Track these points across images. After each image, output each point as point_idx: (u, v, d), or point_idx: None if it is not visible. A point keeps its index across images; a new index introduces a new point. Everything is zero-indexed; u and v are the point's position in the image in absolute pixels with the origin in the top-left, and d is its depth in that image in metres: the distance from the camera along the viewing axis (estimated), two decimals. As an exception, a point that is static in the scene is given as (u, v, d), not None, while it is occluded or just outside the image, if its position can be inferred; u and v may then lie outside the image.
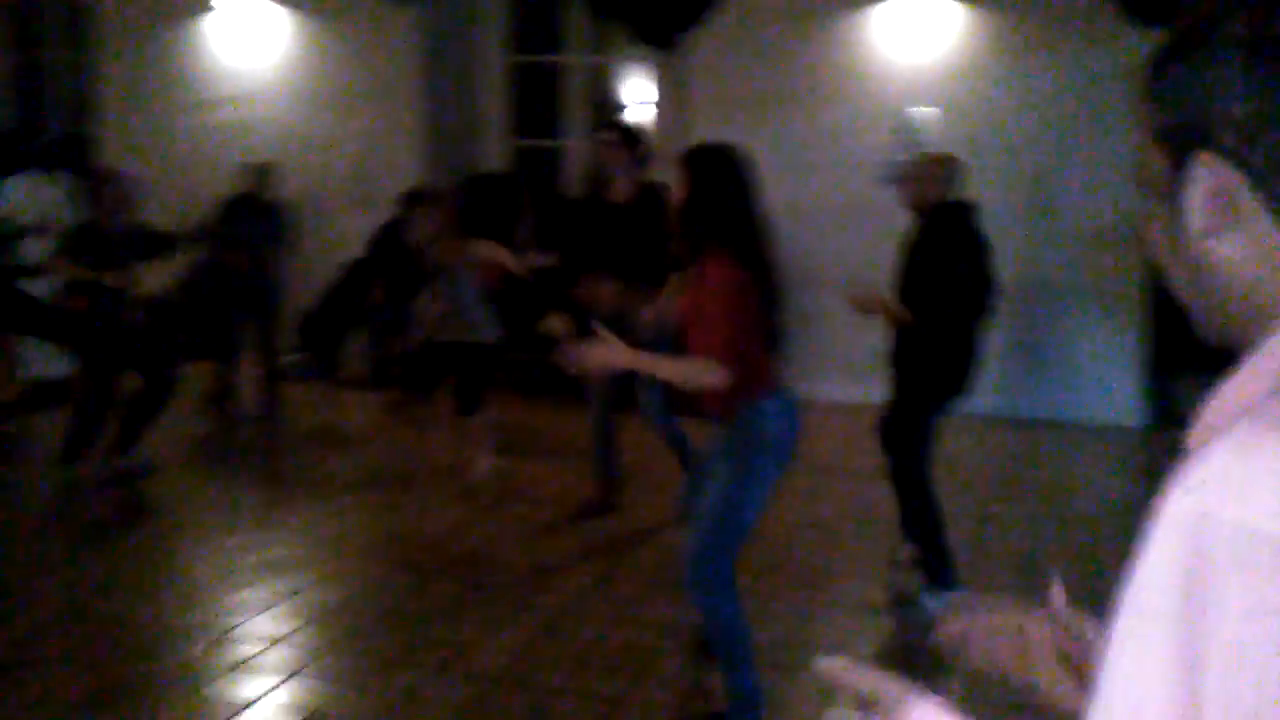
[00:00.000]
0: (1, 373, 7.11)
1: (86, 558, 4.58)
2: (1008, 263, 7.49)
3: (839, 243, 8.00)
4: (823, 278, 8.02)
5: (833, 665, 0.81)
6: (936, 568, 4.06)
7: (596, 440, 5.14)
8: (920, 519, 4.07)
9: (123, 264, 5.51)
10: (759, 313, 3.04)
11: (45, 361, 7.25)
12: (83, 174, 7.84)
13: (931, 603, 4.02)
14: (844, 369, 8.00)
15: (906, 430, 4.09)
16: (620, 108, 9.48)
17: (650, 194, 4.81)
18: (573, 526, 5.00)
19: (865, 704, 0.79)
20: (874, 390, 7.57)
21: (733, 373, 2.86)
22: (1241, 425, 0.62)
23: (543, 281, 5.93)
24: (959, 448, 6.82)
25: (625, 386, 4.83)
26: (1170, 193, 0.72)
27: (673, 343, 3.37)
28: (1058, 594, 1.02)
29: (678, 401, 4.44)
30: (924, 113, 7.73)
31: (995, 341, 7.51)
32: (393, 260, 7.04)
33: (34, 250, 6.73)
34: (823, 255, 8.04)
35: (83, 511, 5.24)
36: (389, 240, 7.06)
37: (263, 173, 7.29)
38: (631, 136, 4.99)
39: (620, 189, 4.95)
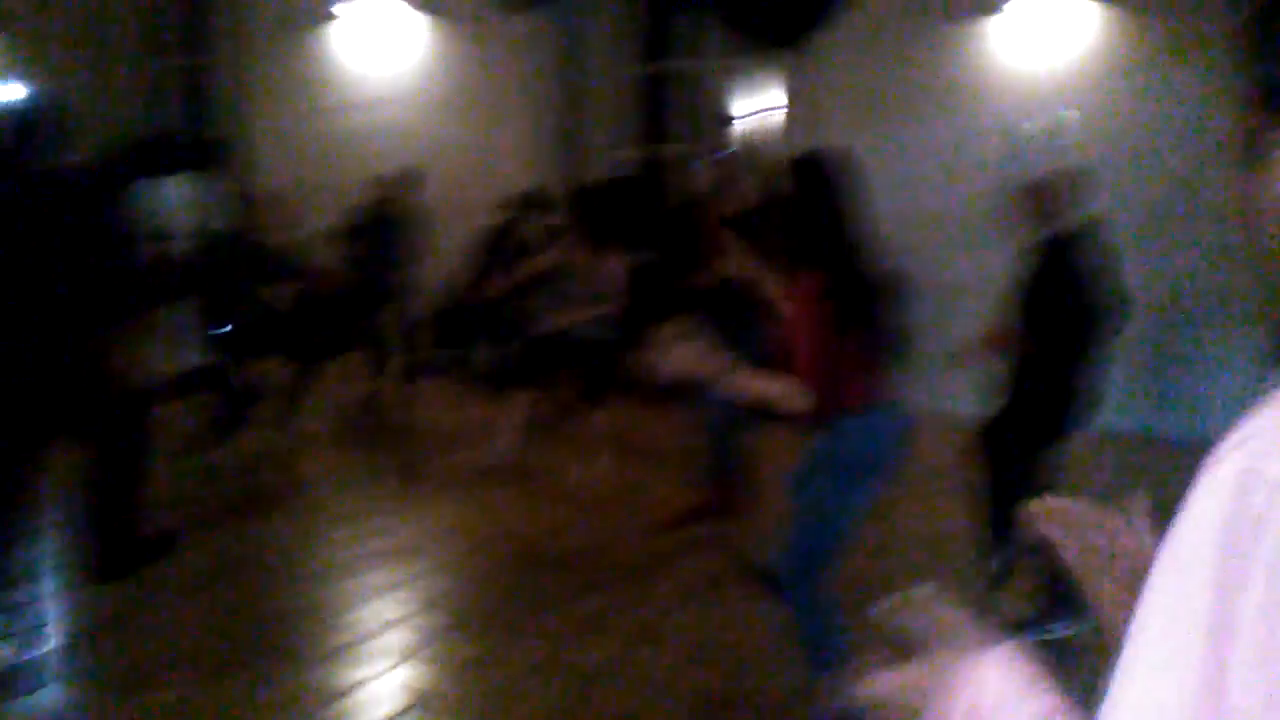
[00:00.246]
0: (146, 361, 7.48)
1: (218, 537, 4.79)
2: (1140, 275, 7.29)
3: (955, 255, 7.81)
4: (936, 290, 7.85)
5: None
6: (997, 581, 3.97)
7: (709, 443, 5.11)
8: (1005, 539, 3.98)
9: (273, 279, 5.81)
10: (857, 327, 2.95)
11: (182, 354, 7.61)
12: (217, 178, 8.23)
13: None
14: (963, 384, 7.80)
15: (1012, 450, 3.96)
16: (737, 116, 9.48)
17: (759, 201, 4.75)
18: (681, 529, 4.99)
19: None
20: (971, 408, 7.44)
21: (821, 392, 2.83)
22: None
23: (658, 285, 5.94)
24: (1092, 467, 6.58)
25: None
26: (1265, 154, 0.68)
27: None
28: (1140, 506, 0.99)
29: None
30: (1059, 118, 7.49)
31: (1129, 357, 7.28)
32: (505, 261, 7.20)
33: (169, 243, 7.13)
34: (937, 268, 7.86)
35: (218, 494, 5.47)
36: (502, 242, 7.19)
37: (400, 179, 7.51)
38: (734, 141, 4.95)
39: (729, 198, 4.87)
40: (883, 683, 0.85)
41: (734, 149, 4.98)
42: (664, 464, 6.06)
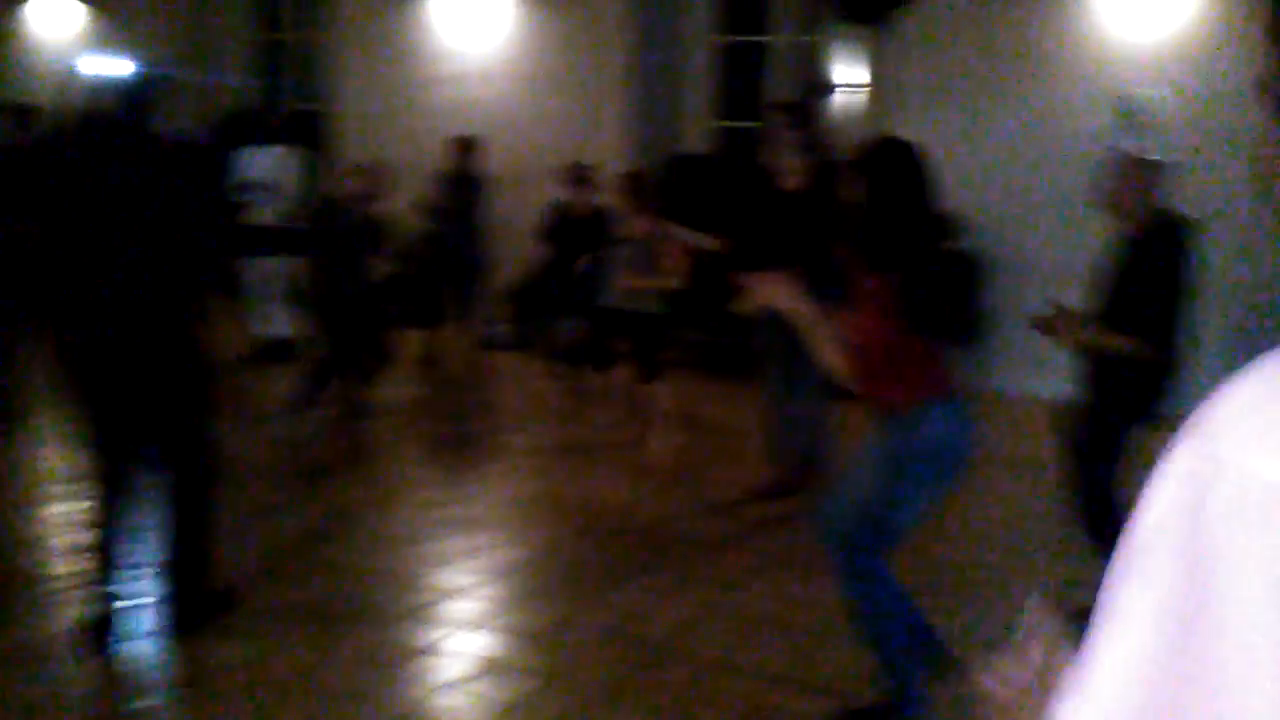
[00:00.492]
0: (236, 332, 7.72)
1: (297, 505, 4.94)
2: (1234, 259, 7.05)
3: (1053, 235, 7.62)
4: (1034, 270, 7.69)
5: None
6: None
7: (772, 420, 5.10)
8: (1100, 527, 3.86)
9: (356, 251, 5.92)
10: (930, 320, 2.92)
11: (272, 322, 7.84)
12: (315, 149, 8.42)
13: None
14: (1041, 364, 7.64)
15: (1101, 438, 3.86)
16: (824, 89, 9.36)
17: (822, 179, 4.56)
18: (752, 505, 5.01)
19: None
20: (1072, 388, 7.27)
21: (895, 383, 2.82)
22: (1270, 361, 0.57)
23: (723, 264, 5.92)
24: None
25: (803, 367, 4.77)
26: None
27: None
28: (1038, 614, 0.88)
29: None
30: (1148, 96, 7.25)
31: (1224, 342, 7.05)
32: (568, 236, 7.28)
33: (265, 212, 7.34)
34: (1034, 246, 7.69)
35: (297, 461, 5.64)
36: (576, 217, 7.24)
37: (466, 146, 7.60)
38: (802, 118, 4.79)
39: (791, 175, 4.76)
40: (995, 676, 0.85)
41: (780, 119, 4.82)
42: (735, 439, 6.08)
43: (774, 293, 2.89)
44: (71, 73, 3.94)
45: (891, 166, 2.92)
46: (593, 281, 6.12)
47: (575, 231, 7.13)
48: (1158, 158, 3.93)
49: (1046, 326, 3.91)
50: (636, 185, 6.03)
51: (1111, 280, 3.82)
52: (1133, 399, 3.77)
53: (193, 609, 3.55)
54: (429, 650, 3.50)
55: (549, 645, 3.57)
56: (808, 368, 4.74)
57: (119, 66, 3.55)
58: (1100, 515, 3.84)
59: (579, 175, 7.24)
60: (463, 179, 7.52)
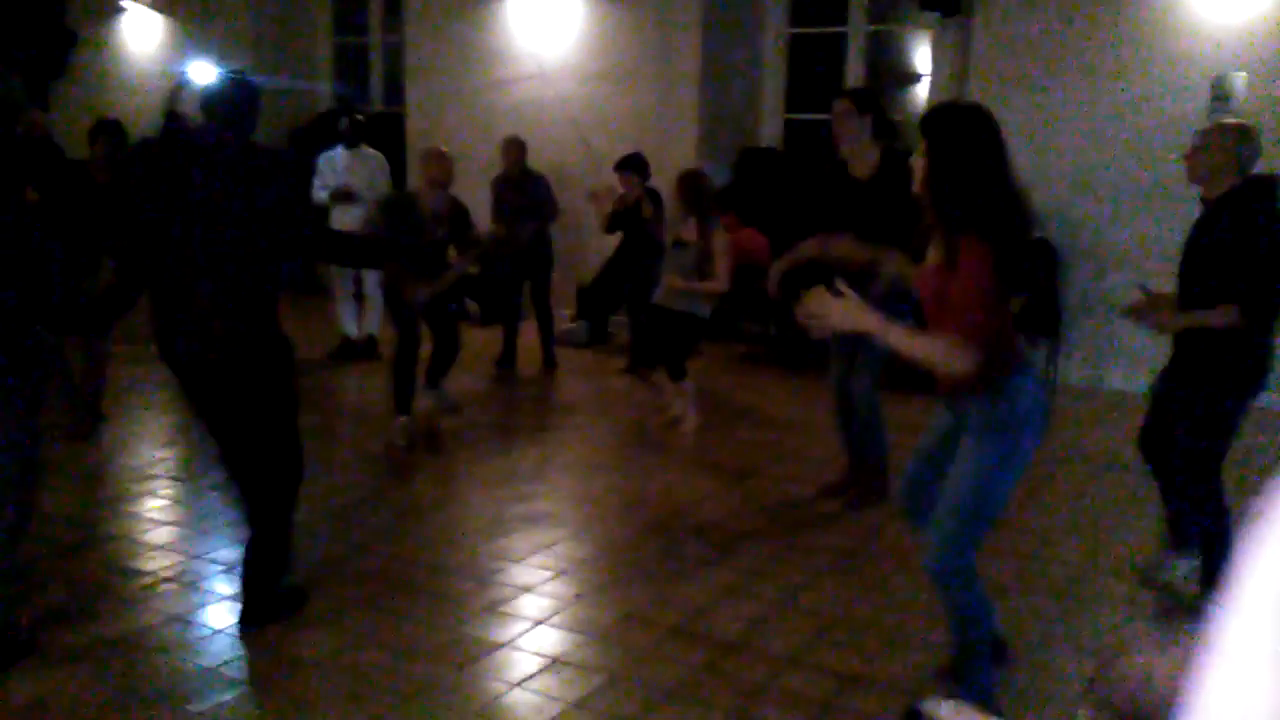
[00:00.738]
0: (322, 330, 7.88)
1: (376, 498, 5.04)
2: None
3: (1140, 224, 7.40)
4: (1121, 261, 7.48)
5: None
6: (1214, 571, 3.73)
7: (840, 417, 5.02)
8: (1213, 524, 3.73)
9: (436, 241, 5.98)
10: (1016, 291, 2.91)
11: (352, 321, 8.00)
12: (398, 152, 8.55)
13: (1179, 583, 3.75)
14: (1133, 357, 7.43)
15: (1209, 424, 3.71)
16: (904, 78, 9.22)
17: (893, 165, 4.51)
18: (823, 502, 4.97)
19: None
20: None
21: (984, 355, 2.72)
22: None
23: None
24: (1255, 444, 6.19)
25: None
26: None
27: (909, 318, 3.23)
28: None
29: (898, 376, 4.27)
30: (1236, 77, 6.99)
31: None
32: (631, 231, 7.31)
33: (347, 217, 7.44)
34: (1121, 237, 7.48)
35: (379, 456, 5.75)
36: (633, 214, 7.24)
37: (519, 146, 7.64)
38: (867, 103, 4.68)
39: (859, 162, 4.71)
40: (1138, 667, 0.82)
41: (845, 106, 4.71)
42: (805, 434, 6.03)
43: (838, 316, 2.74)
44: (178, 83, 4.02)
45: (957, 127, 2.80)
46: (646, 279, 6.12)
47: (633, 225, 7.15)
48: (1239, 122, 3.77)
49: (1138, 314, 3.81)
50: (690, 186, 5.99)
51: (1201, 253, 3.67)
52: (1240, 377, 3.63)
53: (266, 606, 3.63)
54: (500, 647, 3.53)
55: (619, 642, 3.58)
56: (866, 361, 4.69)
57: (209, 75, 3.55)
58: (1206, 507, 3.73)
59: (632, 165, 7.21)
60: (522, 178, 7.58)
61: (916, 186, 2.84)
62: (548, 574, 4.14)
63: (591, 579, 4.14)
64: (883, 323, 2.72)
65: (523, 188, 7.53)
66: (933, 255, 2.92)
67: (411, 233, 5.81)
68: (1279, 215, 3.58)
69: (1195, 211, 7.17)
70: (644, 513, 4.90)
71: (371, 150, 8.02)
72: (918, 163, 2.83)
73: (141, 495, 4.96)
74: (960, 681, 3.02)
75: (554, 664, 3.42)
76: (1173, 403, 3.86)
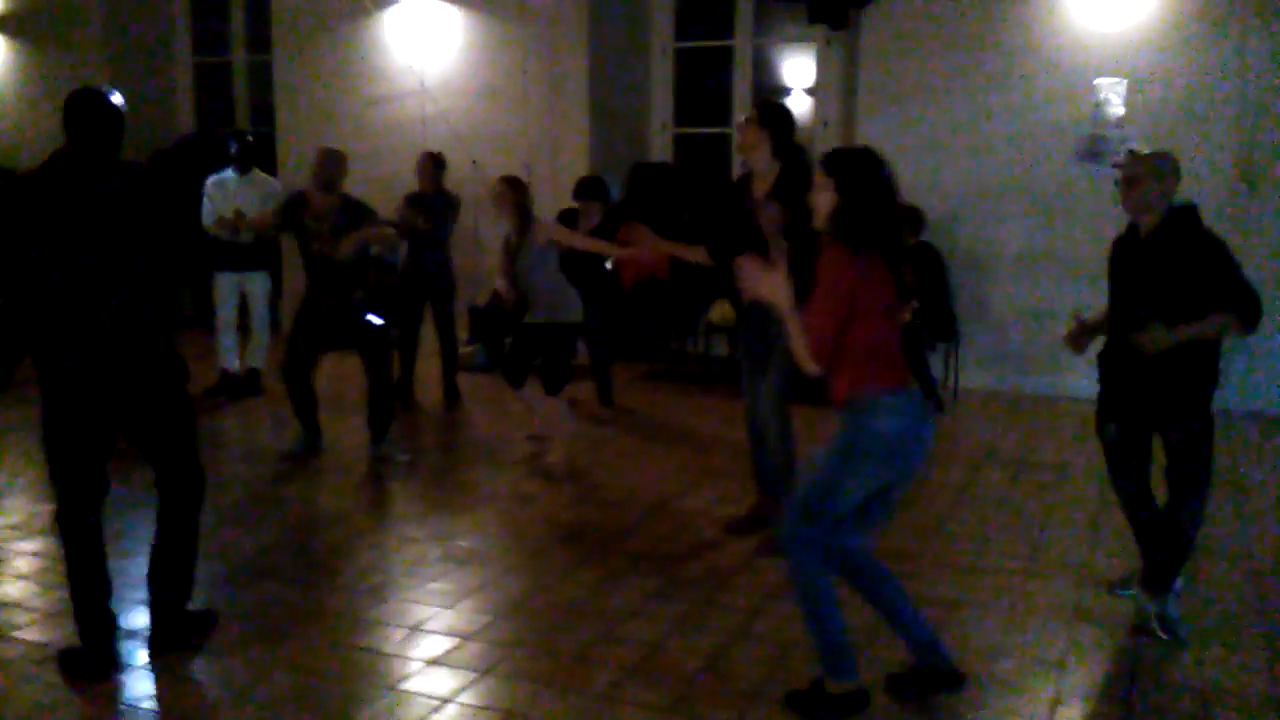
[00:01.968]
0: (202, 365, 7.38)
1: (276, 549, 4.66)
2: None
3: (1026, 229, 7.56)
4: (1008, 265, 7.62)
5: None
6: (1175, 572, 3.73)
7: (752, 445, 4.82)
8: (1191, 529, 3.75)
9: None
10: (886, 307, 3.03)
11: (234, 354, 7.52)
12: (271, 172, 8.11)
13: (1173, 609, 3.71)
14: (1025, 360, 7.57)
15: (1203, 445, 3.71)
16: (784, 92, 9.24)
17: (789, 182, 4.37)
18: (749, 532, 4.78)
19: None
20: (1053, 384, 7.20)
21: (827, 357, 2.96)
22: None
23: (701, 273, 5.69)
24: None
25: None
26: None
27: None
28: None
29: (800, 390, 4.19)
30: (1111, 83, 7.21)
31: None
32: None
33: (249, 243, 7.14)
34: (1007, 242, 7.62)
35: (273, 502, 5.35)
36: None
37: (438, 163, 7.35)
38: (768, 118, 4.50)
39: (759, 178, 4.54)
40: None
41: (750, 120, 4.61)
42: (728, 452, 5.89)
43: (765, 283, 3.05)
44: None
45: (861, 169, 3.04)
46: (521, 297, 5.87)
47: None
48: (1164, 151, 3.82)
49: (1075, 340, 3.82)
50: (515, 191, 5.77)
51: (1152, 281, 3.66)
52: (1209, 391, 3.68)
53: (177, 628, 3.58)
54: (446, 703, 3.25)
55: (576, 687, 3.34)
56: (773, 383, 4.52)
57: (73, 98, 3.38)
58: (1197, 520, 3.74)
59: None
60: (436, 197, 7.28)
61: (818, 222, 3.06)
62: (485, 618, 3.87)
63: (532, 621, 3.88)
64: (791, 306, 2.97)
65: (433, 208, 7.21)
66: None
67: (301, 233, 5.81)
68: (1211, 235, 3.67)
69: (1078, 215, 7.36)
70: (575, 545, 4.66)
71: (263, 174, 7.60)
72: (819, 199, 3.03)
73: (19, 555, 4.47)
74: (818, 650, 3.13)
75: (507, 717, 3.17)
76: (1145, 438, 3.82)
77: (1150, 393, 3.71)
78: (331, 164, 5.90)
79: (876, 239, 2.99)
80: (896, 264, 3.07)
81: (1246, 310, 3.55)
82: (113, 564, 3.54)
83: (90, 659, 3.42)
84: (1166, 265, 3.62)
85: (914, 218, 7.30)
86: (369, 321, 5.92)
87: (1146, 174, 3.65)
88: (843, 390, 3.02)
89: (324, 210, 5.81)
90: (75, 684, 3.35)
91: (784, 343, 3.96)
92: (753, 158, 4.58)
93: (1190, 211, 3.69)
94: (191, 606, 3.65)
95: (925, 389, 6.50)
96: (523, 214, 5.76)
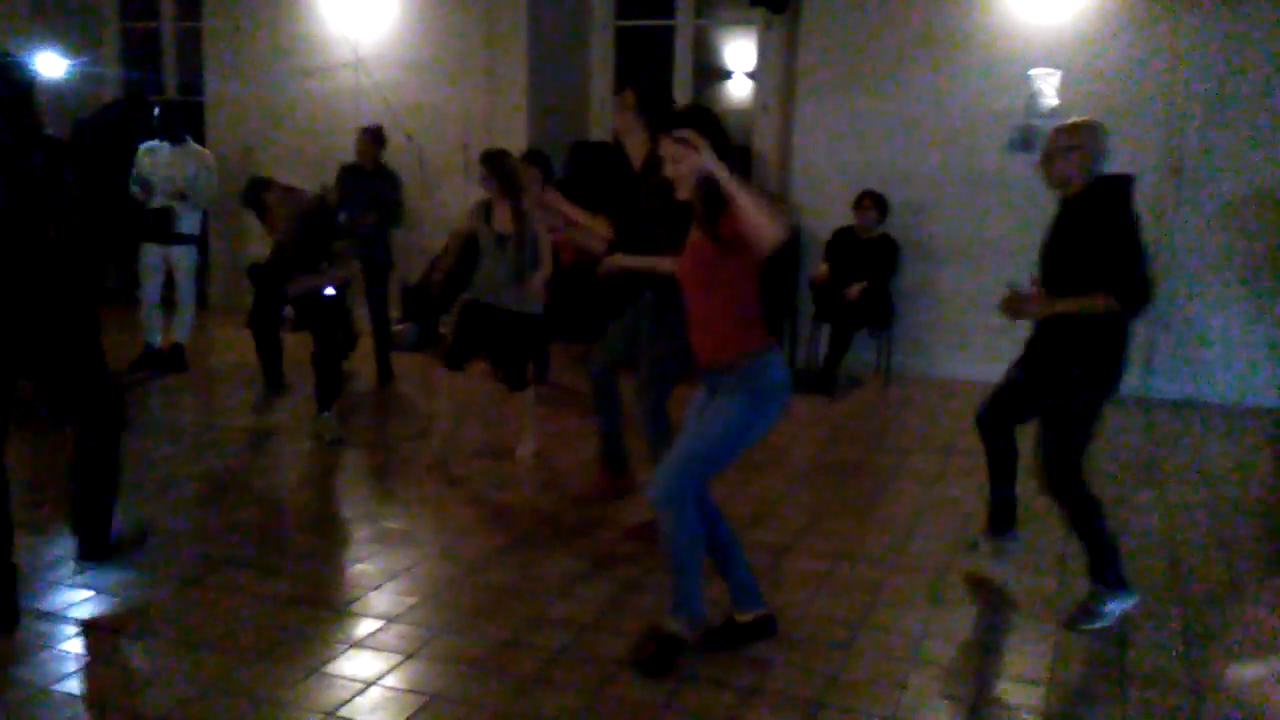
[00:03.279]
0: (126, 340, 7.18)
1: (204, 523, 4.56)
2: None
3: (961, 216, 7.64)
4: (941, 250, 7.70)
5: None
6: (1107, 560, 3.77)
7: (602, 414, 4.76)
8: (1084, 512, 3.77)
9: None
10: (767, 273, 3.18)
11: (157, 328, 7.33)
12: (200, 142, 7.89)
13: (1112, 604, 3.75)
14: (960, 345, 7.66)
15: (1068, 420, 3.74)
16: (725, 74, 9.23)
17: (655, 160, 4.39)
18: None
19: None
20: (992, 369, 7.29)
21: (725, 332, 3.19)
22: None
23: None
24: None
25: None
26: None
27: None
28: None
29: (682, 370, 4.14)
30: (1045, 74, 7.31)
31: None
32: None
33: (182, 215, 6.97)
34: (943, 229, 7.70)
35: (196, 479, 5.23)
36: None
37: (375, 137, 7.22)
38: (649, 98, 4.40)
39: (635, 158, 4.45)
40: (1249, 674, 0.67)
41: (627, 100, 4.48)
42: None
43: (705, 156, 3.03)
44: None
45: (717, 124, 3.13)
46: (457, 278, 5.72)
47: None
48: (1086, 120, 3.82)
49: (1009, 308, 3.81)
50: (497, 166, 5.40)
51: (1062, 251, 3.71)
52: (1101, 371, 3.68)
53: (105, 539, 3.77)
54: (370, 686, 3.19)
55: (501, 670, 3.30)
56: (651, 376, 4.45)
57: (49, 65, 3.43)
58: (1075, 500, 3.75)
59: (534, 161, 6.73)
60: (374, 172, 7.14)
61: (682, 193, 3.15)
62: (411, 600, 3.81)
63: (460, 603, 3.83)
64: (727, 173, 2.99)
65: (371, 182, 7.06)
66: (694, 236, 3.24)
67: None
68: (1131, 212, 3.66)
69: (1014, 202, 7.44)
70: (504, 527, 4.62)
71: (196, 145, 7.39)
72: (678, 167, 3.11)
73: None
74: (675, 597, 3.32)
75: (433, 701, 3.12)
76: (1030, 394, 3.88)
77: (1038, 357, 3.78)
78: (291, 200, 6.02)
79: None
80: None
81: (1127, 296, 3.54)
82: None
83: None
84: (1071, 233, 3.66)
85: (881, 204, 7.41)
86: (324, 294, 5.84)
87: (1063, 147, 3.67)
88: (738, 349, 3.18)
89: (281, 211, 5.79)
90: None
91: (663, 328, 4.19)
92: (629, 141, 4.48)
93: (1117, 183, 3.67)
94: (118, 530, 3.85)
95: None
96: (514, 194, 5.34)
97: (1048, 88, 7.34)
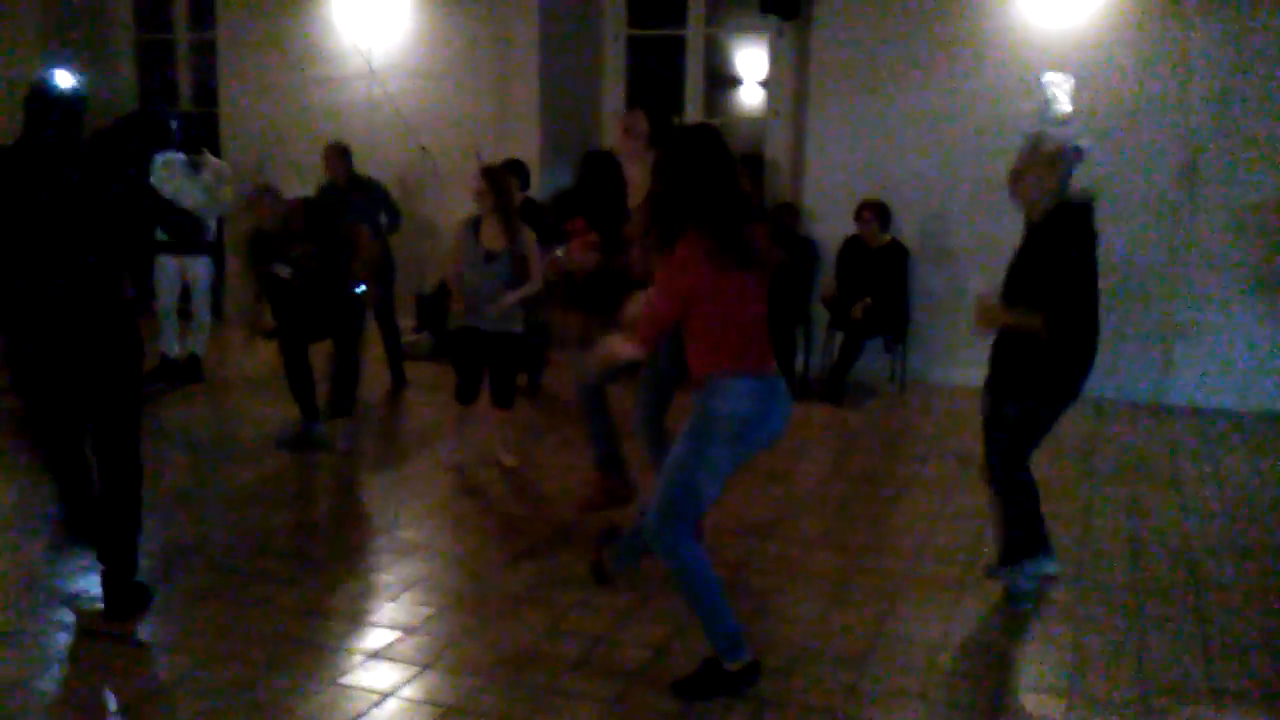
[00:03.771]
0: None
1: (216, 539, 4.57)
2: (1149, 241, 7.13)
3: (975, 222, 7.60)
4: (956, 257, 7.67)
5: None
6: (1029, 544, 3.87)
7: (592, 422, 4.58)
8: (1021, 508, 3.88)
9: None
10: (736, 292, 3.05)
11: (174, 339, 7.36)
12: (215, 154, 7.93)
13: (1024, 582, 3.88)
14: (976, 352, 7.61)
15: (1020, 426, 3.82)
16: (736, 82, 9.23)
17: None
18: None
19: None
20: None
21: (653, 342, 3.18)
22: None
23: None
24: (1101, 434, 6.44)
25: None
26: None
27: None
28: None
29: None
30: (1058, 78, 7.26)
31: (1137, 323, 7.12)
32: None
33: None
34: (956, 234, 7.67)
35: (212, 490, 5.25)
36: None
37: (342, 153, 7.23)
38: (656, 119, 4.20)
39: (637, 187, 4.25)
40: None
41: (635, 121, 4.31)
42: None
43: (618, 350, 3.17)
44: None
45: (686, 148, 3.08)
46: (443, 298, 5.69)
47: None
48: (1065, 145, 3.85)
49: (977, 317, 3.88)
50: (497, 182, 5.35)
51: (1019, 271, 3.81)
52: (1050, 388, 3.77)
53: (130, 597, 3.69)
54: (387, 697, 3.20)
55: (517, 682, 3.30)
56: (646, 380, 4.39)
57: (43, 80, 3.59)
58: (1016, 499, 3.82)
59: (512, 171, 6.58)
60: (350, 185, 7.16)
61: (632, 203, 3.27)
62: (428, 610, 3.81)
63: (476, 613, 3.83)
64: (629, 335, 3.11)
65: (349, 198, 7.05)
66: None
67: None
68: (1088, 238, 3.73)
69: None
70: (519, 536, 4.61)
71: (212, 157, 7.42)
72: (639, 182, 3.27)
73: None
74: (711, 639, 3.18)
75: (449, 713, 3.12)
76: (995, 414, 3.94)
77: (995, 368, 3.90)
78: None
79: (700, 216, 3.00)
80: (739, 249, 3.02)
81: (1054, 320, 3.62)
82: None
83: None
84: (1028, 251, 3.76)
85: (882, 213, 7.38)
86: (352, 293, 5.81)
87: (1028, 167, 3.72)
88: (694, 371, 3.12)
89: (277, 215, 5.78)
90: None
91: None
92: (629, 167, 4.32)
93: (1077, 211, 3.74)
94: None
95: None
96: (507, 217, 5.32)
97: (1061, 93, 7.30)
